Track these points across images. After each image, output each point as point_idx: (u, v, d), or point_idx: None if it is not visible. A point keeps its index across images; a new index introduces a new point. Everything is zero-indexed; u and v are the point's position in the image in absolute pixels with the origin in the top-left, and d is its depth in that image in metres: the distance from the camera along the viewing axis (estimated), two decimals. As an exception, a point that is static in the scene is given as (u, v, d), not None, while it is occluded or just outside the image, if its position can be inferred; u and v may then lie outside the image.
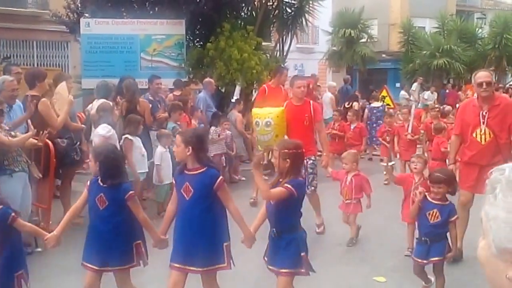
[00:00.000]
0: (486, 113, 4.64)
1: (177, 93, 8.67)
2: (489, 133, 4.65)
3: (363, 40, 21.17)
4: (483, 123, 4.66)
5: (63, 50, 15.71)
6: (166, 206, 6.55)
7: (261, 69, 10.27)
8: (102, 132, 5.66)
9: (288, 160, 3.28)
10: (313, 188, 5.65)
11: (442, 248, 3.95)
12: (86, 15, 10.88)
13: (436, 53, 20.13)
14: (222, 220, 3.34)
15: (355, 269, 4.73)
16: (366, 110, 11.17)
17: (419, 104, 15.52)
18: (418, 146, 8.74)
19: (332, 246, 5.27)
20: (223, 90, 10.57)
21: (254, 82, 10.60)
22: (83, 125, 6.55)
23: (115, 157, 3.50)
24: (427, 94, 16.93)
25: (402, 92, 16.93)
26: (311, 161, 5.60)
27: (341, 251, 5.23)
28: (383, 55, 23.34)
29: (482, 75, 4.61)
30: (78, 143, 6.14)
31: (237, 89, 10.08)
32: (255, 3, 11.78)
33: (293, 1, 12.05)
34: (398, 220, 5.12)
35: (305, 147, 5.33)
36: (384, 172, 5.28)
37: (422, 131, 8.60)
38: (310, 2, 12.12)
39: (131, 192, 3.42)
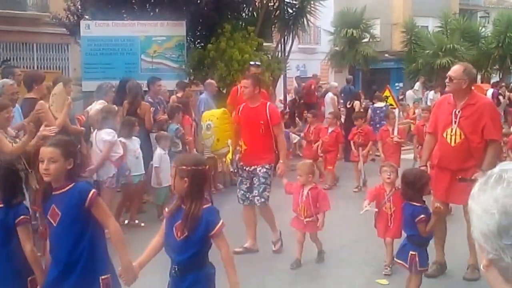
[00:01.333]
0: (459, 111, 4.21)
1: (180, 94, 8.66)
2: (460, 134, 4.21)
3: (365, 40, 21.11)
4: (455, 122, 4.22)
5: (63, 53, 15.72)
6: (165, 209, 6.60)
7: (263, 70, 10.23)
8: (108, 137, 5.67)
9: (186, 179, 2.68)
10: (263, 200, 5.07)
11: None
12: (86, 17, 10.88)
13: (439, 52, 20.06)
14: (99, 248, 2.75)
15: (358, 271, 4.69)
16: (370, 111, 11.11)
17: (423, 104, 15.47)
18: (404, 150, 8.60)
19: (334, 248, 5.23)
20: (224, 91, 10.54)
21: (256, 83, 10.56)
22: (82, 128, 6.53)
23: (11, 173, 3.06)
24: (431, 93, 16.85)
25: (409, 92, 16.87)
26: (265, 170, 5.09)
27: (343, 253, 5.20)
28: (386, 55, 23.26)
29: (452, 68, 4.25)
30: (78, 146, 6.12)
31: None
32: (256, 3, 11.77)
33: (294, 1, 12.04)
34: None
35: (259, 154, 5.04)
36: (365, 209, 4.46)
37: (404, 140, 8.40)
38: (312, 2, 12.10)
39: (22, 216, 2.91)
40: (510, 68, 21.91)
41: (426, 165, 4.55)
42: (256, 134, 5.06)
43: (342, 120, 11.66)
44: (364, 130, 8.55)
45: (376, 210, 4.60)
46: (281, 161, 5.17)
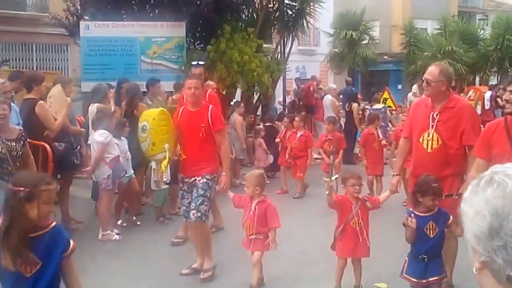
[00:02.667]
0: (437, 115, 3.90)
1: (176, 96, 8.64)
2: (437, 140, 3.90)
3: (365, 41, 21.11)
4: (432, 126, 3.90)
5: (62, 53, 15.70)
6: (164, 211, 6.59)
7: (262, 71, 10.23)
8: (100, 138, 5.63)
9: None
10: (199, 214, 4.48)
11: (440, 267, 3.75)
12: (86, 17, 10.86)
13: (437, 54, 20.04)
14: None
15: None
16: (367, 113, 11.11)
17: None
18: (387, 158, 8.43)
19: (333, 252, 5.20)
20: (224, 93, 10.53)
21: (255, 85, 10.57)
22: (82, 129, 6.52)
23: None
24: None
25: (410, 95, 16.86)
26: (205, 180, 4.54)
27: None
28: (385, 57, 23.26)
29: (427, 71, 3.90)
30: (78, 147, 6.10)
31: (238, 91, 10.04)
32: (256, 5, 11.77)
33: (294, 3, 12.05)
34: (400, 225, 5.07)
35: (200, 164, 4.52)
36: (327, 192, 3.99)
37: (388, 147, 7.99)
38: (311, 3, 12.12)
39: None
40: (509, 70, 21.90)
41: (399, 174, 4.29)
42: (196, 141, 4.54)
43: (342, 123, 11.68)
44: (335, 137, 8.04)
45: (336, 176, 4.24)
46: (223, 173, 4.61)
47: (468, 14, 26.89)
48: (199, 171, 4.55)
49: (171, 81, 9.34)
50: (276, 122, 10.53)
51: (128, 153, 6.13)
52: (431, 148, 3.93)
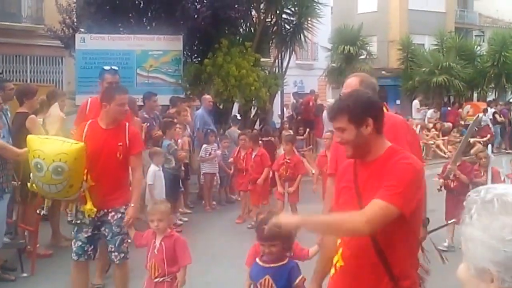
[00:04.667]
0: None
1: (172, 110, 8.53)
2: None
3: (362, 56, 21.18)
4: None
5: (57, 66, 15.58)
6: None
7: (260, 86, 10.18)
8: None
9: None
10: (123, 255, 3.94)
11: None
12: (82, 30, 10.79)
13: (435, 70, 20.14)
14: None
15: None
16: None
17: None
18: None
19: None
20: (221, 107, 10.44)
21: (253, 99, 10.51)
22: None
23: None
24: (430, 112, 16.87)
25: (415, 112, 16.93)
26: (119, 216, 3.89)
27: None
28: (383, 72, 23.32)
29: (345, 83, 3.09)
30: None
31: (236, 106, 9.96)
32: (254, 19, 11.78)
33: (291, 18, 12.08)
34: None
35: (113, 193, 3.84)
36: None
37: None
38: (309, 18, 12.15)
39: None
40: (506, 86, 22.02)
41: None
42: (110, 164, 3.84)
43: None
44: (293, 160, 6.78)
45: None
46: (131, 204, 3.91)
47: (465, 30, 27.10)
48: (111, 202, 3.88)
49: (167, 94, 9.25)
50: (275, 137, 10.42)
51: None
52: None
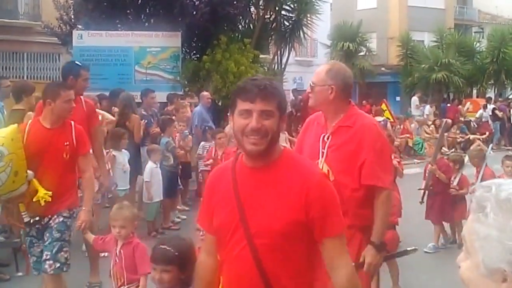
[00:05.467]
0: (328, 137, 2.64)
1: (171, 107, 8.48)
2: (328, 174, 2.56)
3: (362, 53, 21.17)
4: (322, 154, 2.63)
5: (54, 63, 15.51)
6: (156, 225, 6.37)
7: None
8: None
9: None
10: (58, 265, 3.48)
11: None
12: (79, 26, 10.74)
13: (434, 66, 20.14)
14: None
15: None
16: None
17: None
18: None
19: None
20: (219, 104, 10.39)
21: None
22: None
23: None
24: (427, 108, 16.86)
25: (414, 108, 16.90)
26: (61, 220, 3.55)
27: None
28: (382, 69, 23.32)
29: (315, 71, 2.76)
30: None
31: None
32: (253, 15, 11.72)
33: (290, 14, 12.03)
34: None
35: (59, 197, 3.52)
36: None
37: None
38: (308, 15, 12.10)
39: None
40: (505, 83, 22.02)
41: None
42: (56, 166, 3.55)
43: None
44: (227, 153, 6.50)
45: None
46: (83, 207, 3.65)
47: (464, 27, 27.07)
48: (56, 207, 3.56)
49: (165, 91, 9.20)
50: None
51: (127, 165, 5.94)
52: None
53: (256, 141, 1.70)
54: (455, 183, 5.82)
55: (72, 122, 3.70)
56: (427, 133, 14.92)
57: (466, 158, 6.33)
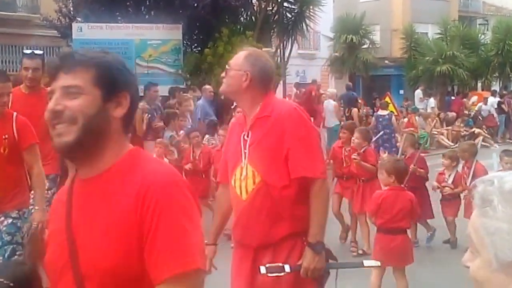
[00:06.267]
0: (248, 134, 2.33)
1: (173, 101, 8.47)
2: (253, 176, 2.28)
3: (365, 46, 21.07)
4: (245, 155, 2.31)
5: (54, 56, 15.45)
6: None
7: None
8: None
9: None
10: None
11: None
12: (79, 19, 10.70)
13: (439, 59, 20.04)
14: None
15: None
16: (373, 118, 10.99)
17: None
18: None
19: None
20: (222, 97, 10.37)
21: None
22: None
23: None
24: (431, 101, 16.83)
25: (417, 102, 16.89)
26: (9, 221, 3.34)
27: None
28: (386, 61, 23.22)
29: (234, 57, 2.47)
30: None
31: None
32: (255, 8, 11.69)
33: (293, 6, 12.00)
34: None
35: (4, 196, 3.31)
36: None
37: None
38: (311, 7, 12.06)
39: None
40: (510, 76, 21.94)
41: (215, 243, 2.52)
42: None
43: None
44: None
45: None
46: (36, 206, 3.39)
47: (469, 19, 26.94)
48: (1, 207, 3.34)
49: (167, 85, 9.19)
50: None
51: None
52: (246, 193, 2.28)
53: (60, 130, 1.21)
54: (449, 181, 5.62)
55: (14, 114, 3.43)
56: (435, 127, 14.95)
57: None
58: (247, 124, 2.34)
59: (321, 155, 2.40)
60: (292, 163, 2.24)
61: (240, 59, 2.36)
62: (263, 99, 2.34)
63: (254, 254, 2.31)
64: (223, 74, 2.41)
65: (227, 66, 2.41)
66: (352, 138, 5.55)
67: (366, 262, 2.80)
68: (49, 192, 3.80)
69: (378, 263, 3.27)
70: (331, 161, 5.96)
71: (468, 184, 5.40)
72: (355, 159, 5.25)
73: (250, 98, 2.34)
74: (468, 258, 1.00)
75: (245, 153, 2.30)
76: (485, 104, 16.98)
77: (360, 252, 5.30)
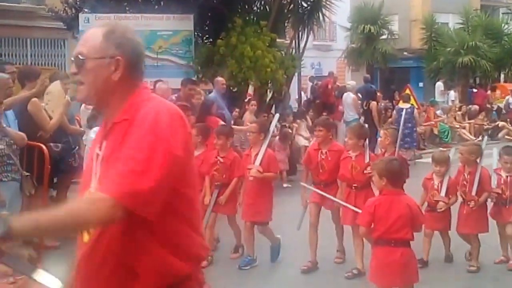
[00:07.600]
0: (102, 145, 1.78)
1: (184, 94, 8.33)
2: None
3: (384, 36, 20.81)
4: (95, 175, 1.78)
5: (59, 49, 15.41)
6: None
7: (276, 67, 9.96)
8: (94, 136, 5.33)
9: None
10: None
11: None
12: (85, 10, 10.62)
13: (460, 50, 19.75)
14: None
15: None
16: (394, 112, 10.78)
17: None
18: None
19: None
20: (235, 90, 10.24)
21: (269, 81, 10.30)
22: (82, 129, 6.34)
23: None
24: (452, 93, 16.56)
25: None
26: None
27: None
28: (405, 53, 22.92)
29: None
30: (76, 147, 5.86)
31: (250, 88, 9.78)
32: (268, -4, 11.49)
33: (309, -5, 11.76)
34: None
35: None
36: None
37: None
38: (327, -4, 11.84)
39: None
40: (535, 66, 21.55)
41: None
42: None
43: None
44: (229, 158, 5.18)
45: None
46: None
47: (491, 8, 26.48)
48: None
49: (178, 77, 9.03)
50: (293, 123, 10.17)
51: None
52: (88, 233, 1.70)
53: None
54: (442, 192, 4.80)
55: None
56: (457, 121, 14.69)
57: (451, 153, 5.39)
58: (105, 132, 1.72)
59: (138, 173, 1.52)
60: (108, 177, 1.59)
61: (97, 41, 1.67)
62: (131, 96, 1.70)
63: None
64: (75, 78, 1.71)
65: (72, 58, 1.71)
66: (345, 139, 5.00)
67: (41, 276, 1.64)
68: None
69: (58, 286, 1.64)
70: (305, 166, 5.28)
71: (473, 193, 4.77)
72: (369, 173, 4.40)
73: (119, 97, 1.69)
74: None
75: (95, 173, 1.69)
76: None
77: (355, 272, 4.62)
